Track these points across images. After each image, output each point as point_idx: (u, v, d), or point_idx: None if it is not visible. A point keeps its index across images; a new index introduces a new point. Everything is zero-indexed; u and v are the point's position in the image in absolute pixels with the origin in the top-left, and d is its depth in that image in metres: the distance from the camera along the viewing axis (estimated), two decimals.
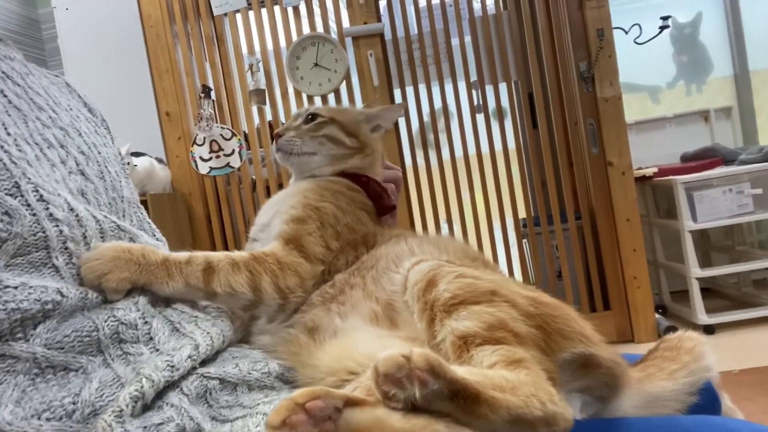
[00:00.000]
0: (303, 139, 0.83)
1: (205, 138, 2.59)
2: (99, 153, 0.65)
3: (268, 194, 2.60)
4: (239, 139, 2.60)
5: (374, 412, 0.40)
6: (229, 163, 2.61)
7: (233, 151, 2.61)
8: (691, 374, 0.64)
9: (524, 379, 0.45)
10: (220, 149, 2.61)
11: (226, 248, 2.61)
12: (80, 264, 0.51)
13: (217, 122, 2.62)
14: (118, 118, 2.74)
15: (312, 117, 0.86)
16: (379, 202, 0.82)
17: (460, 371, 0.43)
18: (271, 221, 0.76)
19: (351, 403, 0.40)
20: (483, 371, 0.46)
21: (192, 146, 2.59)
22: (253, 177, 2.68)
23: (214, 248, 2.65)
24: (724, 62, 3.22)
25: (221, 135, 2.59)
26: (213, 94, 2.64)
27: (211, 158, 2.61)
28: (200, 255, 0.62)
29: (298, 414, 0.37)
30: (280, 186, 0.88)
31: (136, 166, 2.35)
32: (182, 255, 0.61)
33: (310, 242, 0.71)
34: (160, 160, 2.60)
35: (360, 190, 0.81)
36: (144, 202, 2.33)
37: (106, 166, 0.65)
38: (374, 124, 0.89)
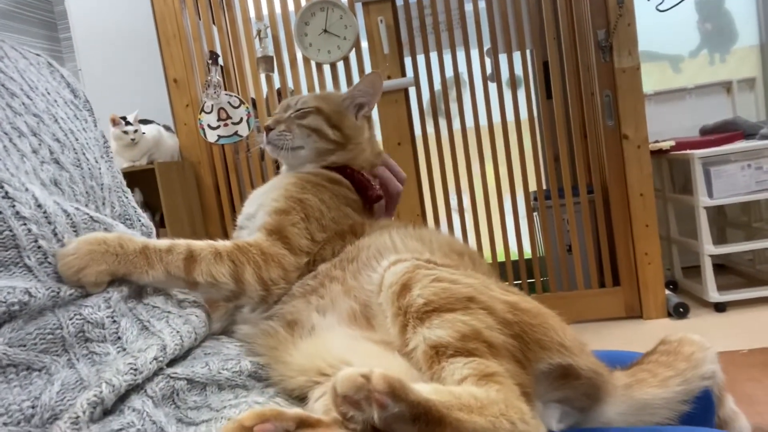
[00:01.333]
0: (292, 132, 0.82)
1: (213, 106, 2.56)
2: (76, 140, 0.63)
3: (277, 166, 2.58)
4: (247, 107, 2.57)
5: None
6: (237, 131, 2.59)
7: (241, 119, 2.59)
8: (686, 382, 0.62)
9: (494, 396, 0.44)
10: (228, 117, 2.58)
11: (235, 218, 2.61)
12: (56, 260, 0.50)
13: (224, 89, 2.58)
14: (125, 85, 2.73)
15: (301, 109, 0.84)
16: (365, 193, 0.80)
17: (425, 391, 0.41)
18: (256, 213, 0.75)
19: (304, 424, 0.39)
20: (450, 389, 0.44)
21: (200, 114, 2.57)
22: (262, 146, 2.65)
23: (222, 217, 2.66)
24: (750, 31, 3.07)
25: (229, 103, 2.56)
26: (221, 60, 2.60)
27: (219, 126, 2.58)
28: (182, 243, 0.61)
29: None
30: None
31: (144, 133, 2.34)
32: (163, 243, 0.60)
33: (294, 233, 0.70)
34: (168, 128, 2.58)
35: (343, 182, 0.80)
36: (152, 171, 2.34)
37: (83, 153, 0.63)
38: (357, 103, 0.87)
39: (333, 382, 0.39)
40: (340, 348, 0.53)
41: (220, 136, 2.60)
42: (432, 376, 0.48)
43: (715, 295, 2.42)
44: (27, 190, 0.50)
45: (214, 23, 2.63)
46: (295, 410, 0.41)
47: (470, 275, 0.58)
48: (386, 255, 0.63)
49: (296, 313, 0.61)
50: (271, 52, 2.56)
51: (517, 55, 2.48)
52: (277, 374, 0.55)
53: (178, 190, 2.50)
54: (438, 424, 0.40)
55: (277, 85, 2.63)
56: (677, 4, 2.58)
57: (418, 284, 0.53)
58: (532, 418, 0.44)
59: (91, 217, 0.55)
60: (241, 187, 2.68)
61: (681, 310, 2.39)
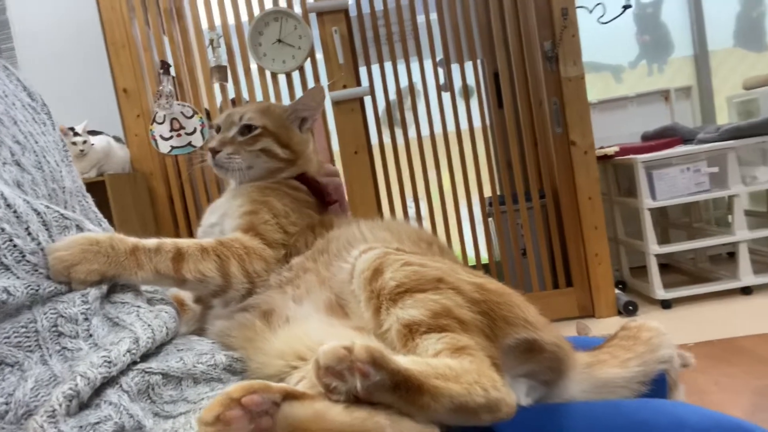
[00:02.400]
0: (241, 155, 0.81)
1: (165, 116, 2.52)
2: (36, 142, 0.62)
3: None
4: (201, 117, 2.54)
5: (313, 406, 0.40)
6: (190, 142, 2.55)
7: (195, 129, 2.55)
8: (644, 364, 0.65)
9: (468, 366, 0.46)
10: (181, 127, 2.54)
11: (190, 229, 2.57)
12: (48, 253, 0.50)
13: (177, 99, 2.55)
14: (73, 95, 2.65)
15: (247, 128, 0.83)
16: (321, 198, 0.83)
17: (403, 361, 0.43)
18: (221, 221, 0.77)
19: (290, 396, 0.39)
20: (426, 360, 0.46)
21: (151, 124, 2.52)
22: (210, 165, 2.62)
23: (177, 229, 2.60)
24: (685, 43, 3.28)
25: (182, 113, 2.53)
26: (172, 70, 2.56)
27: (172, 137, 2.54)
28: (169, 242, 0.62)
29: (233, 409, 0.36)
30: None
31: (93, 144, 2.27)
32: (151, 242, 0.61)
33: (267, 230, 0.72)
34: (118, 139, 2.52)
35: (301, 188, 0.83)
36: (102, 183, 2.27)
37: (44, 156, 0.62)
38: (300, 117, 0.88)
39: (315, 356, 0.40)
40: (318, 332, 0.54)
41: (173, 147, 2.55)
42: (407, 353, 0.49)
43: (661, 293, 2.54)
44: None
45: (164, 33, 2.59)
46: (280, 384, 0.42)
47: (438, 260, 0.61)
48: (356, 245, 0.64)
49: (272, 303, 0.62)
50: (224, 61, 2.55)
51: (468, 66, 2.55)
52: (255, 363, 0.56)
53: (130, 203, 2.43)
54: (417, 391, 0.42)
55: (231, 94, 2.61)
56: (617, 16, 2.72)
57: (389, 268, 0.55)
58: (503, 385, 0.46)
59: (61, 214, 0.55)
60: (196, 197, 2.64)
61: (630, 308, 2.49)
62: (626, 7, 2.72)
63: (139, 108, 2.57)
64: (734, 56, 3.35)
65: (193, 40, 2.63)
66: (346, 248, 0.65)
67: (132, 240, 0.59)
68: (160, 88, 2.50)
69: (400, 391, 0.41)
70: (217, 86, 2.57)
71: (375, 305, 0.54)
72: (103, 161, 2.34)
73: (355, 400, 0.41)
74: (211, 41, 2.54)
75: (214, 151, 0.81)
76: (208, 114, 2.61)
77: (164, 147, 2.54)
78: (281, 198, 0.78)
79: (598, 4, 2.70)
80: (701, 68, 3.26)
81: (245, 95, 2.58)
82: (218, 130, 0.86)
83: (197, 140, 2.54)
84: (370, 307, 0.54)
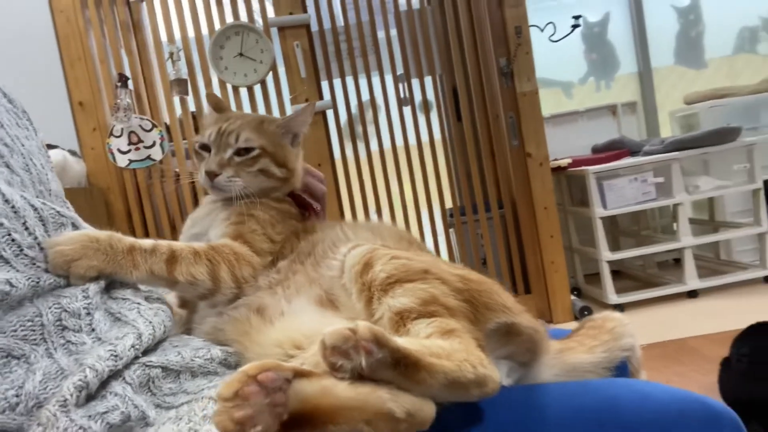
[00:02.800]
0: (241, 177, 0.79)
1: (123, 129, 2.48)
2: (23, 145, 0.63)
3: (194, 189, 2.54)
4: (160, 131, 2.51)
5: (321, 382, 0.42)
6: (150, 155, 2.52)
7: (154, 142, 2.52)
8: (609, 351, 0.71)
9: (457, 346, 0.49)
10: (140, 141, 2.51)
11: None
12: (48, 246, 0.51)
13: (135, 113, 2.52)
14: (27, 108, 2.57)
15: (245, 149, 0.81)
16: (305, 209, 0.86)
17: (401, 341, 0.46)
18: (206, 231, 0.78)
19: (300, 374, 0.42)
20: (420, 341, 0.49)
21: (109, 138, 2.48)
22: (176, 169, 2.60)
23: None
24: (630, 60, 3.47)
25: (140, 126, 2.49)
26: (130, 83, 2.53)
27: (130, 150, 2.50)
28: (164, 244, 0.64)
29: (250, 385, 0.39)
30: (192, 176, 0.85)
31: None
32: (147, 243, 0.63)
33: (255, 239, 0.74)
34: (73, 153, 2.46)
35: (286, 199, 0.84)
36: None
37: (30, 159, 0.63)
38: (291, 134, 0.87)
39: (322, 337, 0.43)
40: (313, 323, 0.57)
41: (131, 161, 2.51)
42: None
43: (614, 298, 2.65)
44: None
45: (122, 46, 2.56)
46: (291, 363, 0.44)
47: (421, 255, 0.64)
48: (342, 245, 0.68)
49: (264, 302, 0.65)
50: (184, 74, 2.54)
51: (428, 80, 2.63)
52: (251, 354, 0.58)
53: (87, 218, 2.35)
54: (414, 367, 0.45)
55: (192, 107, 2.60)
56: (567, 35, 2.86)
57: (378, 261, 0.59)
58: (489, 363, 0.50)
59: (57, 212, 0.56)
60: (155, 212, 2.60)
61: (586, 313, 2.59)
62: (575, 26, 2.86)
63: (96, 121, 2.52)
64: (675, 73, 3.57)
65: (152, 53, 2.61)
66: (331, 249, 0.68)
67: (129, 240, 0.61)
68: (118, 101, 2.46)
69: (399, 367, 0.45)
70: (177, 99, 2.56)
71: (367, 296, 0.57)
72: (59, 175, 2.28)
73: (358, 377, 0.44)
74: (171, 54, 2.53)
75: (214, 174, 0.79)
76: (167, 127, 2.59)
77: (122, 161, 2.50)
78: (267, 210, 0.79)
79: (549, 23, 2.84)
80: (645, 84, 3.46)
81: (206, 109, 2.57)
82: (205, 148, 0.83)
83: (156, 153, 2.51)
84: (362, 298, 0.57)
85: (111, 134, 2.48)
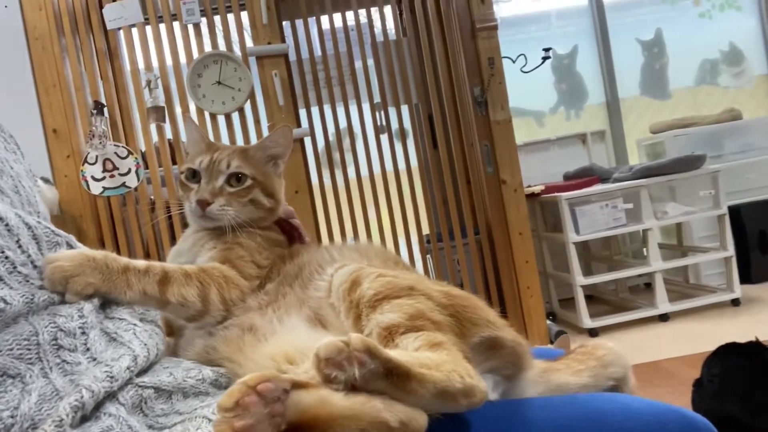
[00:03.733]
0: (233, 207, 0.79)
1: (97, 156, 2.46)
2: (11, 168, 0.63)
3: (169, 216, 2.51)
4: (136, 158, 2.49)
5: (318, 393, 0.43)
6: (124, 182, 2.49)
7: (129, 170, 2.50)
8: (594, 377, 0.72)
9: (445, 357, 0.51)
10: (115, 168, 2.49)
11: None
12: (47, 262, 0.52)
13: (110, 140, 2.50)
14: None
15: (236, 177, 0.81)
16: (291, 237, 0.87)
17: (392, 352, 0.47)
18: (194, 261, 0.78)
19: (297, 385, 0.43)
20: (410, 353, 0.51)
21: (83, 165, 2.45)
22: (152, 197, 2.58)
23: None
24: (598, 91, 3.61)
25: (116, 153, 2.48)
26: (106, 110, 2.52)
27: (104, 177, 2.48)
28: (158, 265, 0.65)
29: (250, 396, 0.39)
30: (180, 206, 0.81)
31: None
32: (141, 264, 0.63)
33: (242, 265, 0.75)
34: (46, 180, 2.43)
35: (273, 227, 0.85)
36: None
37: (19, 181, 0.63)
38: (270, 156, 0.87)
39: (316, 350, 0.44)
40: (305, 340, 0.58)
41: (105, 188, 2.49)
42: None
43: (588, 322, 2.69)
44: None
45: (99, 74, 2.56)
46: (288, 375, 0.45)
47: (406, 273, 0.66)
48: (327, 266, 0.69)
49: (254, 322, 0.66)
50: (162, 102, 2.54)
51: (404, 109, 2.68)
52: (245, 370, 0.58)
53: None
54: (405, 377, 0.47)
55: (168, 135, 2.59)
56: (537, 66, 2.96)
57: (366, 279, 0.60)
58: (476, 374, 0.52)
59: (52, 230, 0.56)
60: (129, 239, 2.56)
61: (562, 336, 2.62)
62: (545, 58, 2.97)
63: (69, 148, 2.50)
64: (641, 103, 3.71)
65: (129, 80, 2.61)
66: (317, 270, 0.70)
67: (124, 260, 0.61)
68: (93, 128, 2.45)
69: (391, 377, 0.46)
70: (153, 126, 2.55)
71: (355, 313, 0.58)
72: None
73: (352, 389, 0.45)
74: (149, 82, 2.53)
75: (205, 203, 0.78)
76: (143, 155, 2.57)
77: (96, 188, 2.47)
78: (253, 238, 0.79)
79: (521, 55, 2.93)
80: (613, 114, 3.58)
81: (183, 137, 2.57)
82: (193, 176, 0.82)
83: (132, 181, 2.49)
84: (350, 316, 0.59)
85: (85, 161, 2.45)
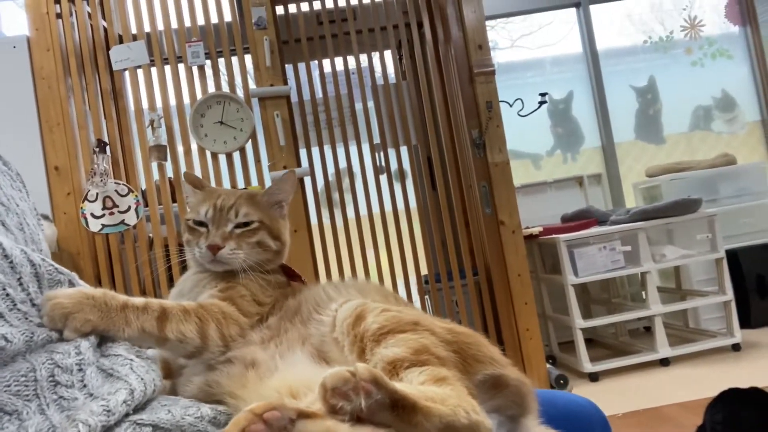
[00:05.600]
0: (243, 250, 0.80)
1: (98, 194, 2.47)
2: (17, 205, 0.64)
3: (167, 253, 2.51)
4: (136, 196, 2.51)
5: (324, 423, 0.43)
6: (123, 220, 2.50)
7: (129, 207, 2.51)
8: None
9: (450, 392, 0.50)
10: (115, 206, 2.50)
11: None
12: (46, 299, 0.52)
13: (111, 178, 2.52)
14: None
15: (244, 222, 0.82)
16: (292, 277, 0.87)
17: (398, 385, 0.47)
18: (196, 299, 0.77)
19: (303, 415, 0.42)
20: (416, 386, 0.50)
21: (83, 202, 2.46)
22: (150, 235, 2.58)
23: None
24: (594, 135, 3.67)
25: (116, 191, 2.49)
26: (108, 149, 2.55)
27: (104, 215, 2.49)
28: (155, 302, 0.65)
29: (257, 424, 0.39)
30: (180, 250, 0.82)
31: None
32: (139, 301, 0.63)
33: (243, 303, 0.75)
34: (45, 217, 2.43)
35: (278, 270, 0.86)
36: None
37: (24, 218, 0.64)
38: (277, 203, 0.89)
39: (322, 380, 0.44)
40: (309, 374, 0.57)
41: (104, 225, 2.49)
42: None
43: (588, 366, 2.66)
44: None
45: (103, 113, 2.60)
46: (294, 403, 0.44)
47: (409, 309, 0.66)
48: (330, 302, 0.69)
49: (256, 357, 0.65)
50: (164, 141, 2.57)
51: (404, 150, 2.72)
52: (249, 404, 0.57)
53: None
54: (411, 409, 0.46)
55: (169, 173, 2.61)
56: (534, 110, 3.02)
57: (370, 314, 0.60)
58: (481, 411, 0.51)
59: (56, 268, 0.56)
60: (126, 277, 2.55)
61: (562, 381, 2.58)
62: (542, 102, 3.03)
63: (70, 186, 2.51)
64: (636, 147, 3.77)
65: (132, 119, 2.65)
66: (315, 308, 0.70)
67: (122, 297, 0.61)
68: (94, 166, 2.47)
69: (397, 409, 0.45)
70: (155, 165, 2.57)
71: (359, 348, 0.58)
72: None
73: (357, 420, 0.44)
74: (152, 122, 2.57)
75: (217, 248, 0.79)
76: (143, 193, 2.59)
77: (95, 225, 2.48)
78: (257, 279, 0.80)
79: (518, 99, 3.00)
80: (609, 157, 3.64)
81: (185, 187, 2.58)
82: (201, 225, 0.83)
83: (131, 218, 2.50)
84: (354, 350, 0.58)
85: (85, 199, 2.46)
